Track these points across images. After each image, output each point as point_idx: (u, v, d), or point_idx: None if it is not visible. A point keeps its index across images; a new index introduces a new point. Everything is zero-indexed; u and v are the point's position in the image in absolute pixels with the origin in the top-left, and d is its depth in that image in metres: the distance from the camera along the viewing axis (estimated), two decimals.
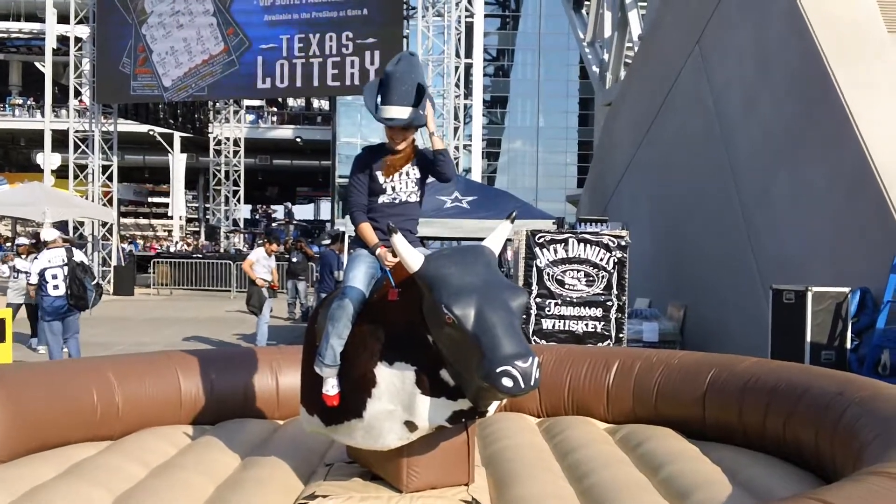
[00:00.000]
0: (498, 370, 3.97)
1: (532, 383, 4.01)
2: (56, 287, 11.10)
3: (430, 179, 5.05)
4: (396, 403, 4.58)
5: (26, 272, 13.82)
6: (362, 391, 4.67)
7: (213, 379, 6.68)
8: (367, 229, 4.87)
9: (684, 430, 6.24)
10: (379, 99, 4.83)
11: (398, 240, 4.39)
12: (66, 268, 11.15)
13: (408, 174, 4.92)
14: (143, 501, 4.76)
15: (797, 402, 5.43)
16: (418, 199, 5.01)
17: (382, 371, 4.59)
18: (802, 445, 5.35)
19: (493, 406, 4.65)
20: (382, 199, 4.91)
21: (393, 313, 4.60)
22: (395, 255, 4.55)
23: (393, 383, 4.57)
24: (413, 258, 4.39)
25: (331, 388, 4.81)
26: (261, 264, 13.88)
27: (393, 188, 4.90)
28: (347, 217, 17.90)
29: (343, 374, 4.80)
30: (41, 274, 11.12)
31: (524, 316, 8.24)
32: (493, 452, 5.84)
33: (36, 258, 11.64)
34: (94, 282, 11.77)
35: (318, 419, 5.11)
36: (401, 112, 4.76)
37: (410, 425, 4.58)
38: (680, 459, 5.51)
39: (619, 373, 6.81)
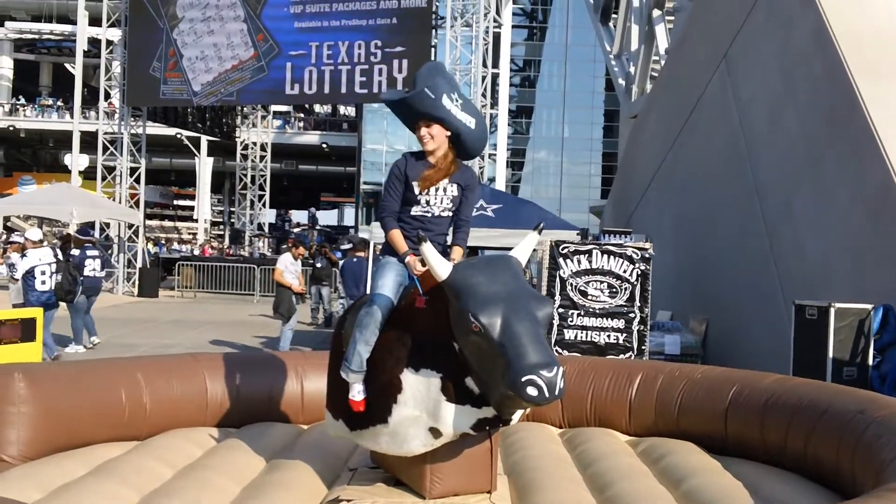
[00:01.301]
0: (523, 379, 4.02)
1: (556, 393, 4.06)
2: (44, 283, 12.10)
3: None
4: (422, 410, 4.63)
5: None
6: (388, 397, 4.72)
7: (239, 382, 6.74)
8: (397, 236, 4.88)
9: (706, 445, 6.25)
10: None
11: (427, 248, 4.45)
12: (54, 265, 12.27)
13: (444, 190, 4.91)
14: (169, 501, 4.83)
15: (818, 420, 5.44)
16: (451, 215, 4.99)
17: (408, 377, 4.65)
18: (823, 463, 5.36)
19: (517, 415, 4.70)
20: (415, 210, 4.91)
21: (420, 320, 4.66)
22: (423, 265, 4.61)
23: (419, 390, 4.62)
24: (442, 266, 4.45)
25: (357, 393, 4.85)
26: (289, 271, 13.91)
27: (427, 202, 4.90)
28: (372, 224, 17.87)
29: (369, 380, 4.83)
30: (30, 271, 12.04)
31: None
32: (516, 461, 5.88)
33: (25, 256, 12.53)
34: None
35: (343, 423, 5.16)
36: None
37: (435, 432, 4.64)
38: (701, 473, 5.53)
39: (642, 386, 6.83)
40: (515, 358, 4.08)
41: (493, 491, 5.03)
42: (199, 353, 7.19)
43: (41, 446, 5.54)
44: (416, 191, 4.88)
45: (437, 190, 4.90)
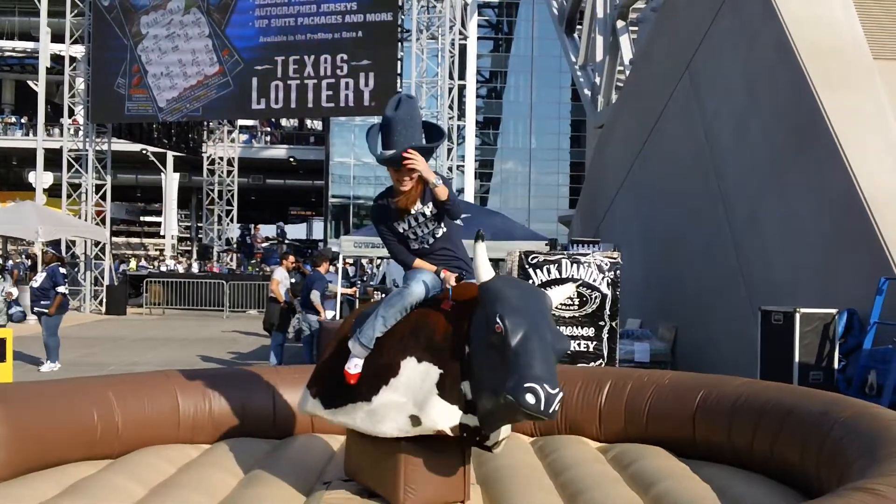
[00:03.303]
0: (525, 385, 4.15)
1: (551, 410, 4.16)
2: None
3: None
4: (409, 397, 4.75)
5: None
6: (381, 378, 4.86)
7: (212, 398, 6.72)
8: (422, 263, 4.98)
9: (675, 449, 6.32)
10: (380, 145, 4.85)
11: (480, 247, 4.55)
12: None
13: (423, 214, 4.90)
14: None
15: (784, 422, 5.54)
16: (445, 230, 4.97)
17: (408, 365, 4.79)
18: (789, 464, 5.45)
19: (492, 440, 4.79)
20: (413, 246, 5.00)
21: (439, 319, 4.80)
22: (457, 280, 4.83)
23: (413, 379, 4.76)
24: (486, 271, 4.57)
25: (354, 366, 4.97)
26: (283, 285, 14.30)
27: (415, 233, 4.95)
28: (341, 237, 17.86)
29: (368, 361, 4.97)
30: None
31: None
32: (489, 471, 5.91)
33: None
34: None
35: (319, 402, 5.30)
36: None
37: (415, 419, 4.73)
38: (670, 478, 5.59)
39: (611, 393, 6.89)
40: (525, 366, 4.23)
41: (467, 501, 5.07)
42: (170, 370, 7.17)
43: (12, 467, 5.49)
44: (400, 229, 4.97)
45: (416, 220, 4.91)
